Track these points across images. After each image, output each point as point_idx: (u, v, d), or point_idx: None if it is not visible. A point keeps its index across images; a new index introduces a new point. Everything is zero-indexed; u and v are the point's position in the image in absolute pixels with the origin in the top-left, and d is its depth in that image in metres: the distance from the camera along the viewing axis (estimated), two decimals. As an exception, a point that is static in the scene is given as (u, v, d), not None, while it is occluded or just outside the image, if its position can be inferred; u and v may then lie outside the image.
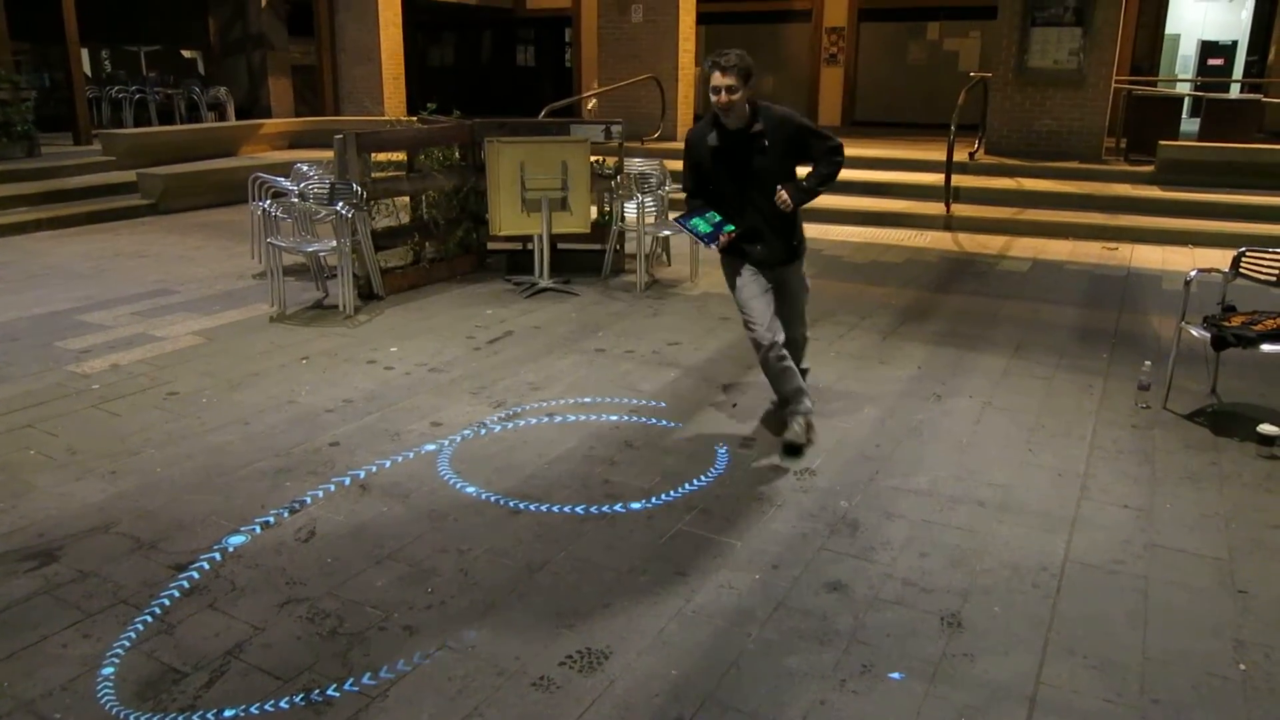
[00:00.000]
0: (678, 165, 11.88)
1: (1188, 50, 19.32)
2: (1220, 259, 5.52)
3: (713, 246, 4.35)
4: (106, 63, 18.58)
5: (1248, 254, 4.98)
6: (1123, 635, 3.00)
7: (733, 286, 4.46)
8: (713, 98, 4.13)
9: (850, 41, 17.57)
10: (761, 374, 4.60)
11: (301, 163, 8.09)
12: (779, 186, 4.24)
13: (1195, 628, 3.04)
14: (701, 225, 4.33)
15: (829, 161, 4.30)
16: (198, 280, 7.50)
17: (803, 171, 4.38)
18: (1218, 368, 5.14)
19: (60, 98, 14.15)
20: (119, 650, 2.87)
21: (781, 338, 4.35)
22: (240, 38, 18.42)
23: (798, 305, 4.60)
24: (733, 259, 4.43)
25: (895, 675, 2.80)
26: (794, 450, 4.32)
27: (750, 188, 4.29)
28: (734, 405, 4.94)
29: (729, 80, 4.07)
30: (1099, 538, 3.60)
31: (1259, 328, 4.65)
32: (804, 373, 4.63)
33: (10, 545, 3.48)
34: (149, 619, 3.03)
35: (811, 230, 9.82)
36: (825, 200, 10.78)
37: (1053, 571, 3.36)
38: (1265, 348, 4.57)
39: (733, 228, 4.30)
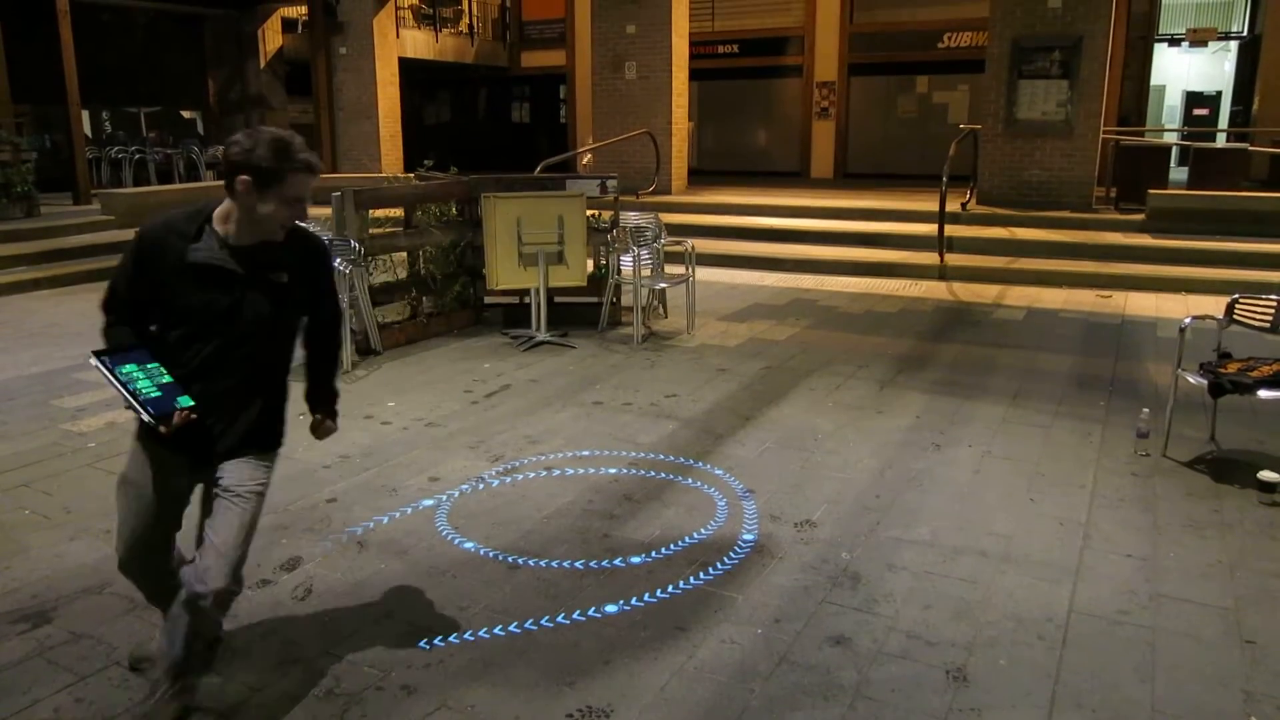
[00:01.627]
0: (674, 219, 11.94)
1: (1173, 100, 19.65)
2: (1214, 305, 5.55)
3: (151, 425, 2.52)
4: (107, 123, 18.81)
5: (1241, 300, 5.01)
6: (1131, 687, 2.96)
7: (138, 484, 2.75)
8: (285, 211, 2.56)
9: (841, 95, 17.85)
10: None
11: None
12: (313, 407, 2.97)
13: (1203, 679, 3.01)
14: (145, 383, 2.53)
15: (334, 340, 2.99)
16: (195, 337, 7.50)
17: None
18: (1215, 414, 5.14)
19: (60, 158, 14.31)
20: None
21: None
22: (239, 98, 18.68)
23: (224, 525, 2.66)
24: (155, 446, 2.67)
25: (901, 731, 2.75)
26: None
27: (247, 348, 2.64)
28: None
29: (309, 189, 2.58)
30: (1103, 588, 3.57)
31: (1256, 374, 4.66)
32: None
33: (3, 607, 3.43)
34: (142, 681, 2.98)
35: (807, 281, 9.96)
36: (820, 251, 10.92)
37: (1058, 623, 3.33)
38: (1262, 394, 4.58)
39: (190, 401, 2.54)
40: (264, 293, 2.62)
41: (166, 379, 2.55)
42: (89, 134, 17.28)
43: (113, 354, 2.55)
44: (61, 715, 2.82)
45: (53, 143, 15.96)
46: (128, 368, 2.53)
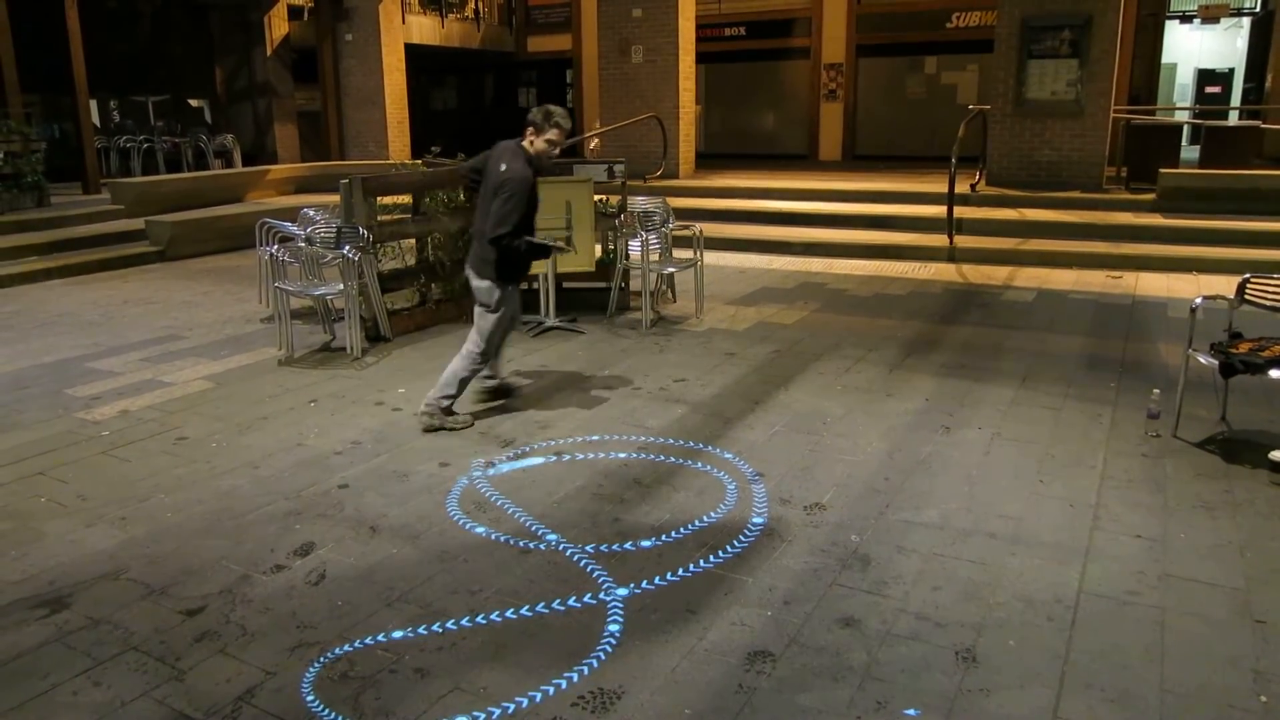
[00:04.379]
0: (681, 203, 11.99)
1: (1185, 79, 19.48)
2: (1225, 285, 5.52)
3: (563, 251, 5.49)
4: (115, 113, 18.84)
5: (1252, 280, 4.98)
6: (1140, 668, 2.97)
7: (508, 306, 5.11)
8: (546, 148, 4.94)
9: (849, 77, 17.75)
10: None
11: (308, 207, 8.17)
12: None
13: (1213, 659, 3.01)
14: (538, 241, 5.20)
15: None
16: (206, 325, 7.55)
17: None
18: (1226, 395, 5.13)
19: (69, 148, 14.35)
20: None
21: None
22: (246, 86, 18.69)
23: None
24: (514, 283, 5.17)
25: (911, 712, 2.77)
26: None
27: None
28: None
29: (564, 136, 5.00)
30: (1113, 568, 3.57)
31: (1267, 354, 4.65)
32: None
33: (21, 593, 3.47)
34: (160, 665, 3.02)
35: (816, 264, 9.95)
36: (829, 234, 10.90)
37: (1067, 604, 3.34)
38: (1274, 374, 4.56)
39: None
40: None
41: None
42: (97, 123, 17.31)
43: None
44: (80, 699, 2.86)
45: (61, 132, 16.01)
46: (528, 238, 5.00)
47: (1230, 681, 2.90)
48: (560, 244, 5.31)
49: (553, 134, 4.85)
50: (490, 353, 5.17)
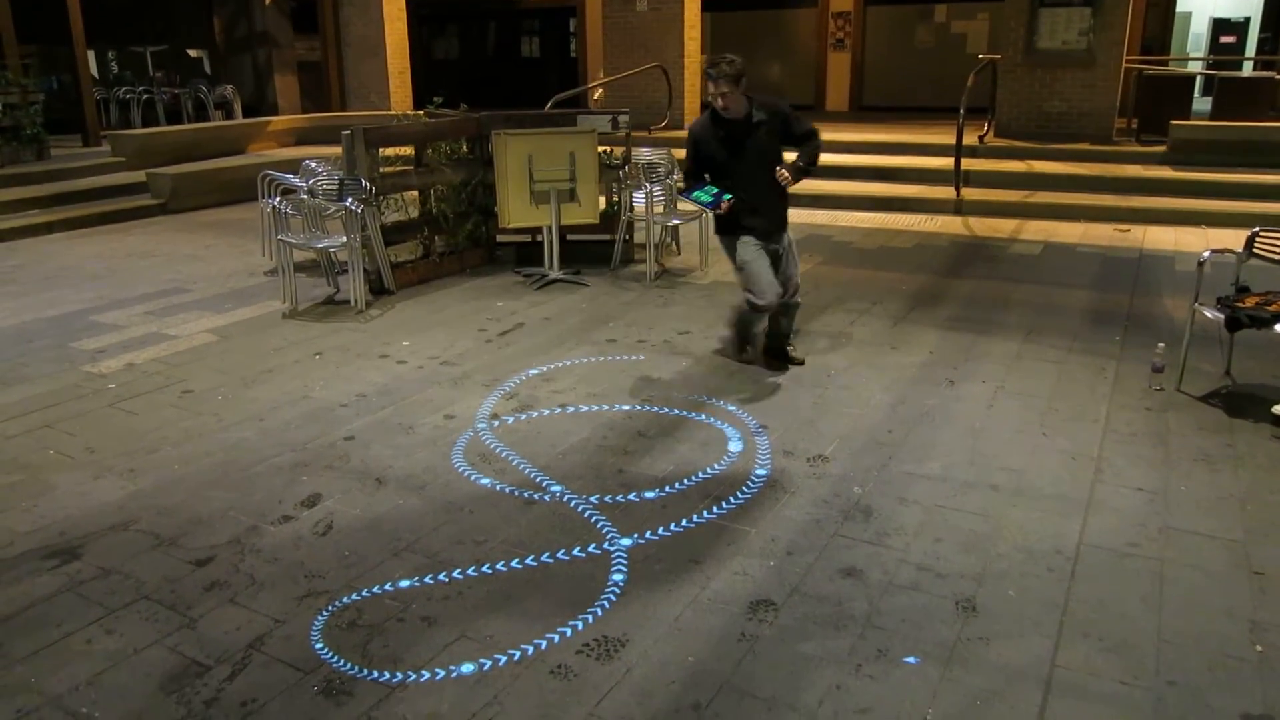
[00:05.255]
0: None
1: (1199, 28, 19.16)
2: (1234, 239, 5.48)
3: (714, 211, 5.05)
4: (113, 64, 18.64)
5: (1261, 234, 4.95)
6: (1138, 618, 3.00)
7: (736, 257, 5.08)
8: (713, 101, 4.95)
9: (857, 26, 17.48)
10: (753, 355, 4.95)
11: (310, 159, 8.11)
12: (778, 166, 4.94)
13: (1211, 609, 3.04)
14: (703, 195, 5.05)
15: (812, 144, 5.09)
16: (209, 278, 7.54)
17: (789, 156, 5.08)
18: (1232, 349, 5.12)
19: (68, 100, 14.21)
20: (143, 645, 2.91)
21: (776, 300, 5.03)
22: (245, 36, 18.45)
23: (796, 265, 5.26)
24: (732, 236, 5.09)
25: (910, 659, 2.81)
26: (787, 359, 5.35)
27: (753, 167, 4.98)
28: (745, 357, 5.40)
29: (724, 88, 4.85)
30: (1113, 521, 3.60)
31: (1273, 308, 4.63)
32: (790, 335, 5.46)
33: (32, 544, 3.52)
34: (171, 614, 3.06)
35: (821, 216, 9.88)
36: (834, 186, 10.80)
37: (1067, 555, 3.36)
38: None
39: (730, 196, 4.97)
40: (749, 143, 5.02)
41: (714, 190, 5.04)
42: (95, 75, 17.14)
43: (686, 190, 5.16)
44: (94, 647, 2.91)
45: (59, 84, 15.85)
46: (695, 193, 5.08)
47: (1227, 631, 2.93)
48: (719, 204, 5.03)
49: (711, 86, 4.92)
50: (758, 305, 5.00)
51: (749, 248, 5.03)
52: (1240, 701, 2.62)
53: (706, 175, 5.14)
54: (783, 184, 4.94)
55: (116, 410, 4.83)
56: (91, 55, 15.68)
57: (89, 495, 3.90)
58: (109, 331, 6.14)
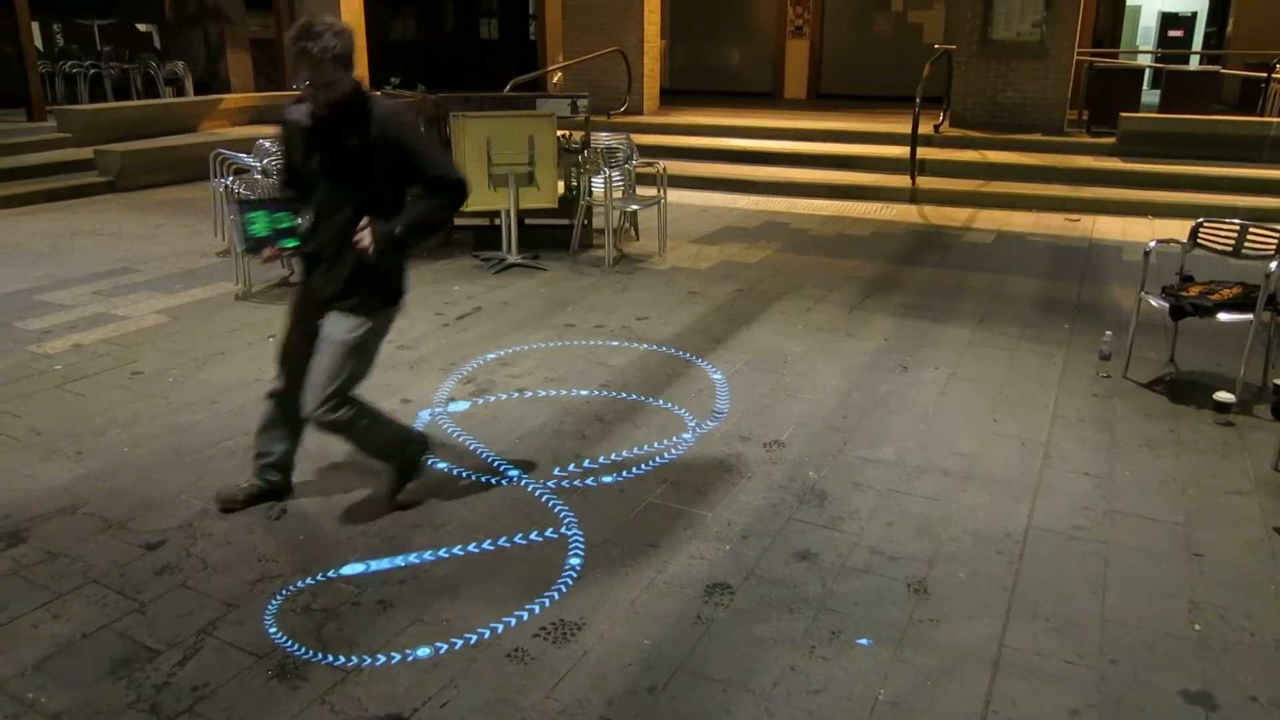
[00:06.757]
0: (645, 139, 11.79)
1: (1148, 22, 19.49)
2: (1179, 230, 5.62)
3: (251, 257, 3.24)
4: (59, 37, 18.12)
5: (1205, 225, 5.08)
6: (1083, 599, 3.08)
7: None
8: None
9: (816, 14, 17.54)
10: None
11: (263, 138, 7.96)
12: (366, 221, 3.16)
13: (1153, 590, 3.13)
14: (258, 225, 3.20)
15: (434, 202, 3.30)
16: (160, 258, 7.40)
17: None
18: (1176, 337, 5.25)
19: (12, 73, 13.80)
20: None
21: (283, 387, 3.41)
22: (196, 11, 18.06)
23: (336, 369, 3.24)
24: (299, 284, 3.46)
25: (863, 641, 2.86)
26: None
27: (329, 195, 3.21)
28: None
29: (302, 70, 3.03)
30: (1061, 504, 3.68)
31: (1216, 297, 4.75)
32: (289, 469, 3.66)
33: (-24, 528, 3.44)
34: (120, 598, 3.02)
35: (779, 203, 9.93)
36: (792, 173, 10.86)
37: (1016, 538, 3.44)
38: (1222, 316, 4.67)
39: (295, 243, 3.24)
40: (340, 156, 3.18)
41: (287, 224, 3.19)
42: (40, 48, 16.65)
43: (251, 204, 3.30)
44: (41, 631, 2.86)
45: (2, 57, 15.38)
46: (254, 213, 3.22)
47: (1168, 612, 3.02)
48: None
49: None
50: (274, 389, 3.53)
51: (291, 302, 3.46)
52: (1179, 679, 2.71)
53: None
54: (359, 248, 3.17)
55: (63, 392, 4.73)
56: (36, 27, 15.19)
57: (35, 478, 3.82)
58: (55, 311, 6.00)
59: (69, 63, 16.13)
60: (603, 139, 8.04)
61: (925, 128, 10.86)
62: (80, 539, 3.37)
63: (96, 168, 10.58)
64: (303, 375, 3.29)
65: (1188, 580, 3.19)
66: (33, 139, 11.27)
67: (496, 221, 7.55)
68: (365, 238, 3.14)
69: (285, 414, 3.47)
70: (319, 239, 3.24)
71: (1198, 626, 2.94)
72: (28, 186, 9.83)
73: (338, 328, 3.25)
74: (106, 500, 3.65)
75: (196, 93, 16.18)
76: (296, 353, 3.35)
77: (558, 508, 3.63)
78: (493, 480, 3.85)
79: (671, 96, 16.15)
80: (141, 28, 19.06)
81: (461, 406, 4.60)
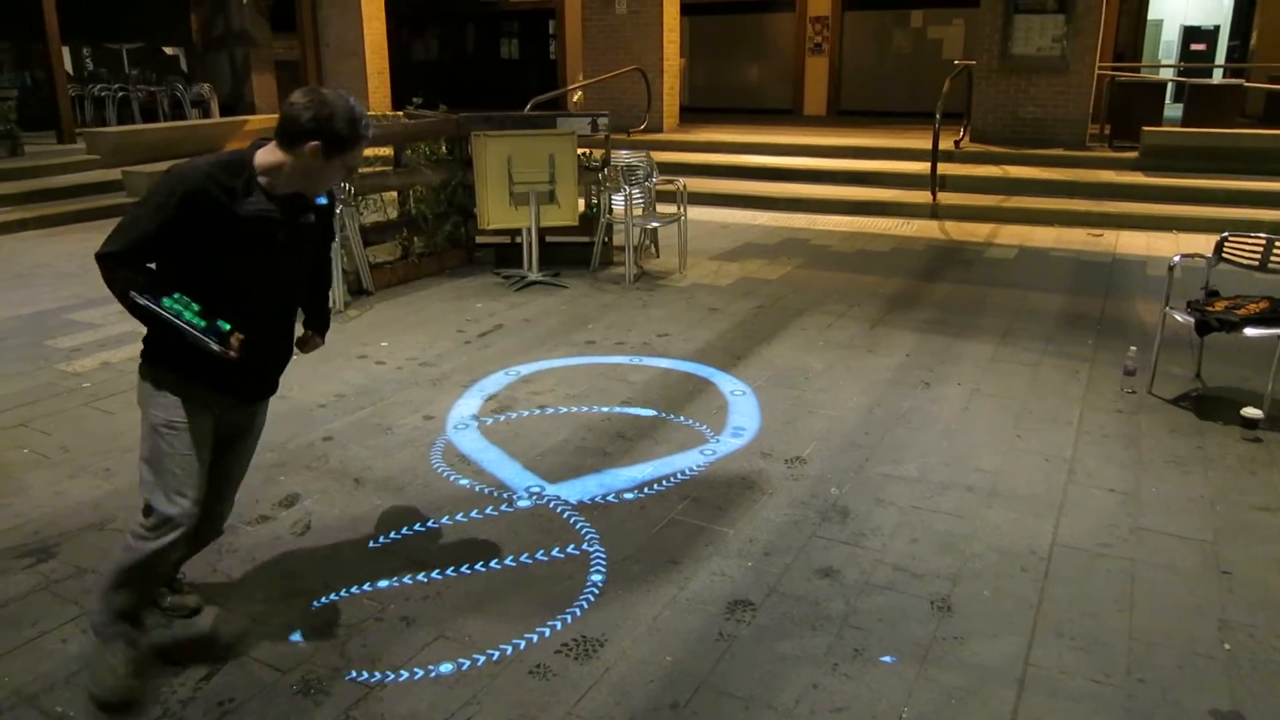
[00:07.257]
0: (665, 157, 11.83)
1: (1170, 35, 19.40)
2: (1204, 244, 5.57)
3: (214, 348, 2.50)
4: (88, 60, 18.45)
5: (1230, 239, 5.04)
6: (1110, 617, 3.05)
7: (153, 415, 2.68)
8: (343, 174, 2.73)
9: (835, 31, 17.58)
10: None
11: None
12: (315, 329, 3.05)
13: (1181, 609, 3.10)
14: (193, 316, 2.51)
15: (323, 302, 3.10)
16: (186, 278, 7.47)
17: None
18: (1202, 352, 5.20)
19: (42, 97, 14.06)
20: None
21: (194, 516, 2.72)
22: (223, 34, 18.35)
23: (245, 463, 3.02)
24: (164, 371, 2.70)
25: (886, 658, 2.84)
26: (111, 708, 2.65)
27: (284, 283, 2.78)
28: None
29: (358, 159, 2.71)
30: (1086, 521, 3.65)
31: (1242, 312, 4.71)
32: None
33: (7, 543, 3.49)
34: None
35: (799, 220, 9.94)
36: (811, 189, 10.86)
37: (1041, 555, 3.41)
38: (1248, 332, 4.62)
39: (228, 326, 2.53)
40: (301, 238, 2.73)
41: (196, 308, 2.51)
42: (70, 71, 16.96)
43: (152, 290, 2.51)
44: (69, 646, 2.89)
45: (34, 81, 15.68)
46: (168, 301, 2.51)
47: (1196, 630, 2.98)
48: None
49: (356, 155, 2.70)
50: (167, 516, 2.70)
51: (188, 408, 2.67)
52: (1209, 699, 2.67)
53: (165, 270, 2.60)
54: (298, 346, 3.00)
55: (92, 409, 4.79)
56: (66, 52, 15.49)
57: (64, 494, 3.87)
58: (84, 330, 6.09)
59: (98, 86, 16.43)
60: (623, 157, 8.09)
61: (946, 143, 10.85)
62: (108, 555, 3.40)
63: (125, 189, 10.74)
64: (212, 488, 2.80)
65: (1216, 598, 3.15)
66: (62, 161, 11.48)
67: (518, 239, 7.60)
68: (317, 342, 3.05)
69: (209, 533, 2.98)
70: (259, 327, 2.66)
71: (1227, 645, 2.90)
72: (57, 208, 10.00)
73: (263, 417, 3.02)
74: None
75: (222, 114, 16.42)
76: (207, 464, 2.76)
77: (579, 524, 3.63)
78: (514, 496, 3.86)
79: (691, 114, 16.22)
80: (169, 51, 19.39)
81: (483, 423, 4.62)
